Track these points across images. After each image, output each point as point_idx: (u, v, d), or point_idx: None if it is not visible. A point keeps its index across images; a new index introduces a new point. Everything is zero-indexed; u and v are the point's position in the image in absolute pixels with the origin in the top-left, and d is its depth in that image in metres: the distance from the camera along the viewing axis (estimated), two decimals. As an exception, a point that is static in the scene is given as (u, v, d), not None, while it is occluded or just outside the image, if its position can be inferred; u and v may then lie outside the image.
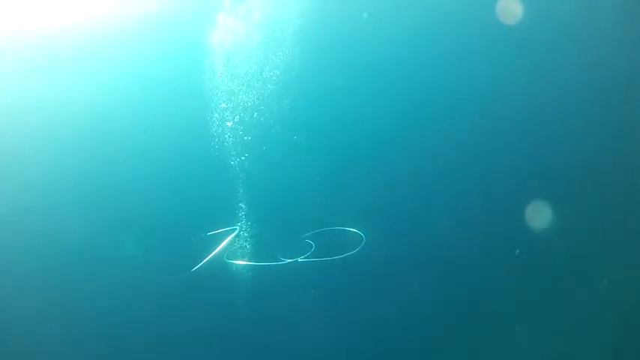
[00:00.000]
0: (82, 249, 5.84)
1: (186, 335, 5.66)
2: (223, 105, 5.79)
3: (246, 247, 5.83)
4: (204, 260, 5.64)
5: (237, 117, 5.86)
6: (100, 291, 5.75)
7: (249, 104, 5.85)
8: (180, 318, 5.68)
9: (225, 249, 5.74)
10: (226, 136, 5.87)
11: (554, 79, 6.38)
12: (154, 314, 5.70)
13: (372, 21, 6.30)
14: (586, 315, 5.74)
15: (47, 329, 5.67)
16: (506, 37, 6.24)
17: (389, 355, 5.83)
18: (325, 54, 6.19)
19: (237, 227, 5.81)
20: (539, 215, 5.89)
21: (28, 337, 5.70)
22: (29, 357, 5.77)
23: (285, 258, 5.77)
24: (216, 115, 5.85)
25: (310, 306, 5.69)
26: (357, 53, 6.35)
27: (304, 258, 5.74)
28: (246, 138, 5.88)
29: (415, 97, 6.38)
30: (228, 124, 5.77)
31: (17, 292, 5.77)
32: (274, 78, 5.87)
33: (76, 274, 5.84)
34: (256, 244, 5.88)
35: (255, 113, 5.88)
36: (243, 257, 5.79)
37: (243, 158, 5.87)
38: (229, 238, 5.77)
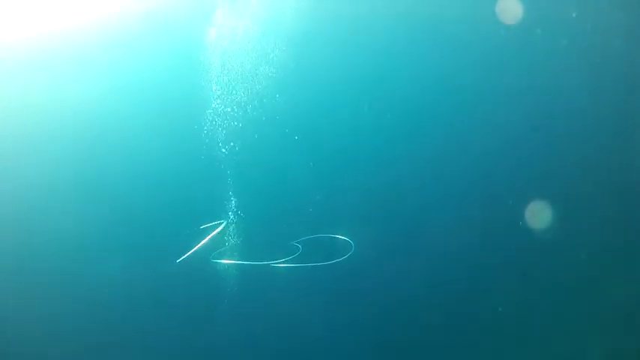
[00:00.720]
0: (70, 243, 5.89)
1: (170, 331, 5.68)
2: (214, 88, 5.82)
3: (233, 246, 5.83)
4: (190, 252, 5.65)
5: (232, 111, 5.90)
6: (90, 285, 5.79)
7: (243, 100, 5.90)
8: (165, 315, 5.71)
9: (211, 248, 5.74)
10: (218, 133, 5.92)
11: (555, 79, 6.33)
12: (142, 310, 5.73)
13: (370, 20, 6.32)
14: (586, 315, 5.68)
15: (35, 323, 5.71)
16: (505, 37, 6.23)
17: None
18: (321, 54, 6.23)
19: (224, 221, 5.82)
20: (539, 218, 5.78)
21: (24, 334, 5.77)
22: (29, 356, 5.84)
23: (269, 260, 5.73)
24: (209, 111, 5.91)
25: (293, 308, 5.64)
26: (356, 53, 6.35)
27: (286, 262, 5.71)
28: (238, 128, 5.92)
29: (412, 97, 6.34)
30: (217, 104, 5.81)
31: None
32: (270, 76, 5.91)
33: (63, 269, 5.89)
34: (243, 243, 5.87)
35: (249, 106, 5.91)
36: (229, 257, 5.79)
37: (233, 154, 5.90)
38: (216, 231, 5.77)
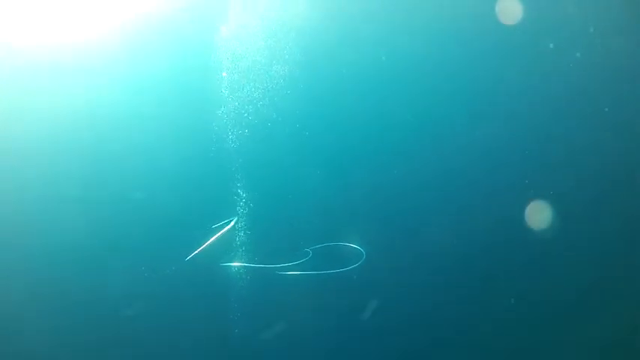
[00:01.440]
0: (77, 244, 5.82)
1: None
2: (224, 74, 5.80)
3: (241, 248, 5.82)
4: (200, 249, 5.63)
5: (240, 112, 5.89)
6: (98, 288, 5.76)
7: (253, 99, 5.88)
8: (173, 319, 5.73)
9: (220, 250, 5.73)
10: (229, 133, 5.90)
11: (555, 80, 6.36)
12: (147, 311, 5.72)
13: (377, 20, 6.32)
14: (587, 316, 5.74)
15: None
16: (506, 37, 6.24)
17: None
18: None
19: (234, 219, 5.80)
20: (543, 223, 5.85)
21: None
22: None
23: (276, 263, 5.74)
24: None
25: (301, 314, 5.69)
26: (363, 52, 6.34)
27: (295, 267, 5.70)
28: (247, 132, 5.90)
29: (420, 95, 6.31)
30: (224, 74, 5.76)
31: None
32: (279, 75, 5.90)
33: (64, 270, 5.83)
34: (252, 245, 5.86)
35: (260, 103, 5.89)
36: (238, 260, 5.78)
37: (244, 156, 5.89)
38: (225, 229, 5.75)
